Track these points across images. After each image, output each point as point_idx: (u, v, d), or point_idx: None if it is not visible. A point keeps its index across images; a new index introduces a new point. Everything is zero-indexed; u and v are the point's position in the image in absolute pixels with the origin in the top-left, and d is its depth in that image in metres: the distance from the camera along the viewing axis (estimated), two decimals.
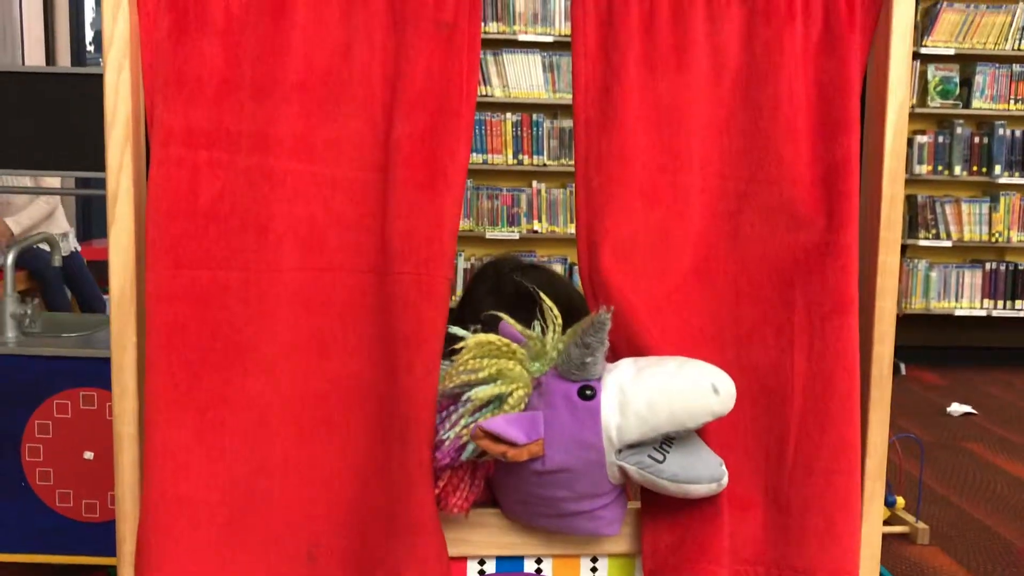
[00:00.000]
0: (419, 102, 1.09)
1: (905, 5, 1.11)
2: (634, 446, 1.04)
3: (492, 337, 1.07)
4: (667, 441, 1.04)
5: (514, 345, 1.07)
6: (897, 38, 1.11)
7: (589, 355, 1.02)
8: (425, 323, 1.07)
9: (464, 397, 1.05)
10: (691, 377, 1.02)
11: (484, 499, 1.15)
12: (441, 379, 1.08)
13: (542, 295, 1.09)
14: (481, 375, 1.05)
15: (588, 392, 1.03)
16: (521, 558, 1.15)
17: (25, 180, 4.25)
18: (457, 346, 1.07)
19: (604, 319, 1.01)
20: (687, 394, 1.01)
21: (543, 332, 1.09)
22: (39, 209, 4.53)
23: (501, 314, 1.11)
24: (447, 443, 1.06)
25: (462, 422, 1.05)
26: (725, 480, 1.06)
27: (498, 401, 1.05)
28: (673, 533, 1.10)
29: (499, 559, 1.15)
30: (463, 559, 1.14)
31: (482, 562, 1.15)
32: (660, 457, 1.03)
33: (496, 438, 1.01)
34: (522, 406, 1.05)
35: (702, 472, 1.04)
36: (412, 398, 1.07)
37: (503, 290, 1.51)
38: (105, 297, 4.92)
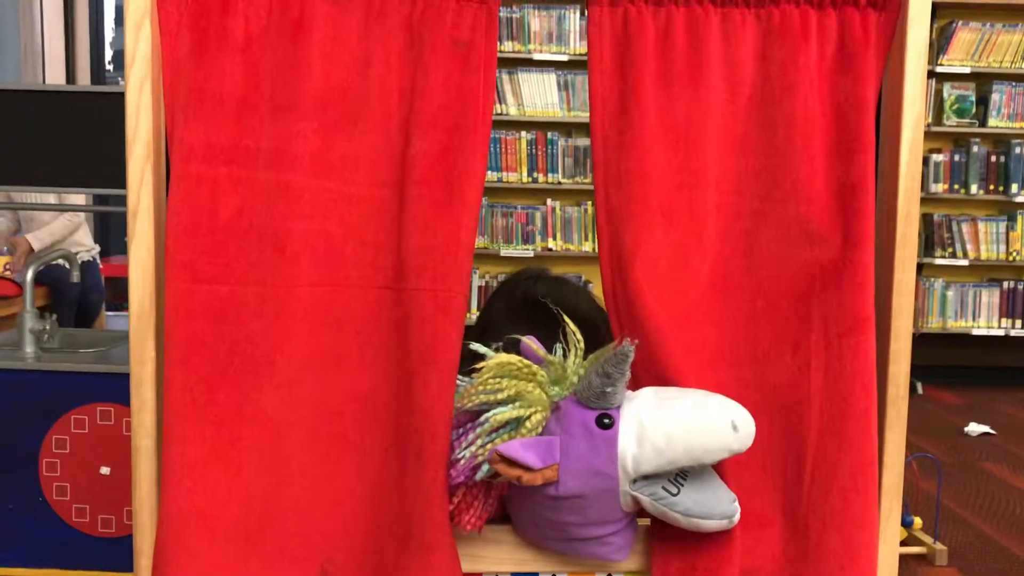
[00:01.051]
0: (436, 120, 1.10)
1: (920, 24, 1.11)
2: (649, 477, 1.03)
3: (513, 358, 1.06)
4: (682, 474, 1.04)
5: (535, 367, 1.07)
6: (912, 57, 1.11)
7: (610, 385, 1.02)
8: (441, 338, 1.08)
9: (482, 417, 1.05)
10: (711, 413, 1.02)
11: (497, 515, 1.15)
12: (459, 396, 1.08)
13: (565, 318, 1.09)
14: (500, 396, 1.05)
15: (606, 421, 1.03)
16: (535, 574, 1.15)
17: (49, 197, 4.27)
18: (478, 364, 1.07)
19: (627, 351, 1.01)
20: (706, 430, 1.01)
21: (564, 355, 1.09)
22: (61, 225, 4.55)
23: (526, 338, 1.11)
24: (462, 462, 1.06)
25: (478, 442, 1.05)
26: (737, 517, 1.05)
27: (515, 423, 1.05)
28: (683, 560, 1.10)
29: (513, 575, 1.15)
30: (477, 575, 1.14)
31: None
32: (674, 490, 1.03)
33: (511, 462, 1.01)
34: (539, 430, 1.05)
35: (715, 508, 1.04)
36: (428, 414, 1.07)
37: (513, 295, 1.52)
38: (111, 315, 4.96)
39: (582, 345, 1.09)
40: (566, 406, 1.06)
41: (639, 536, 1.13)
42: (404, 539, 1.09)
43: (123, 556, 2.51)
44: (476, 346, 1.09)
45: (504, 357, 1.06)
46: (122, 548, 2.47)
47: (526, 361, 1.07)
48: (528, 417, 1.04)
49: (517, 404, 1.05)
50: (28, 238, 4.43)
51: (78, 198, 4.44)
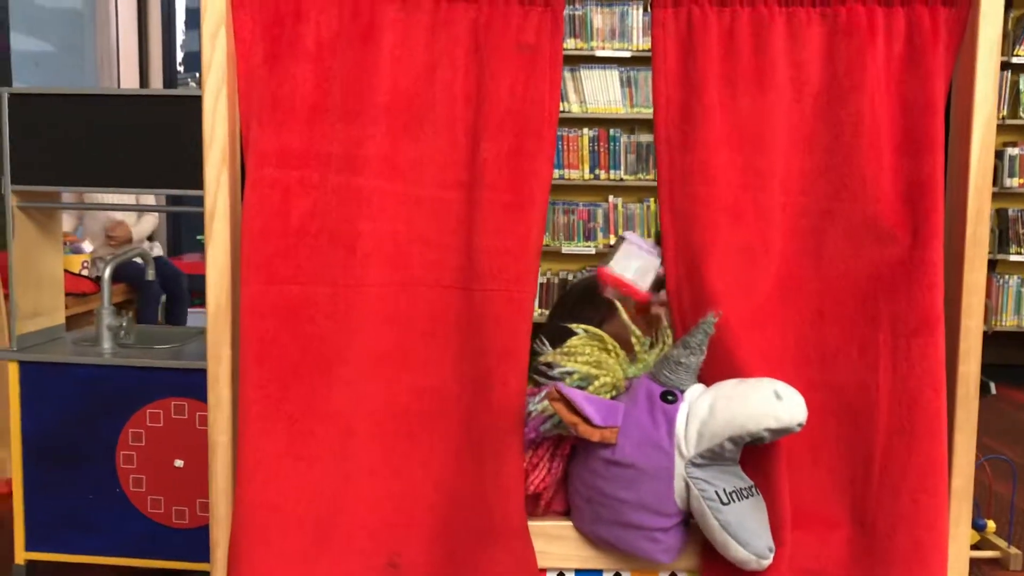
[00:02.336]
0: (503, 124, 1.12)
1: (992, 19, 1.09)
2: (707, 470, 1.04)
3: (603, 334, 1.12)
4: (739, 495, 1.05)
5: (619, 348, 1.12)
6: (984, 53, 1.09)
7: (686, 355, 1.05)
8: (517, 338, 1.11)
9: (555, 371, 1.09)
10: (752, 384, 1.03)
11: (562, 508, 1.17)
12: (542, 358, 1.12)
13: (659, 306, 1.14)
14: (579, 359, 1.09)
15: (670, 397, 1.06)
16: (600, 571, 1.16)
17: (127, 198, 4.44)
18: (576, 325, 1.13)
19: (710, 323, 1.04)
20: (746, 398, 1.02)
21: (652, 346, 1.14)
22: (149, 223, 4.82)
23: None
24: (533, 415, 1.09)
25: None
26: (766, 563, 1.05)
27: (584, 382, 1.09)
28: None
29: (578, 572, 1.16)
30: (542, 571, 1.16)
31: (561, 574, 1.16)
32: (725, 499, 1.04)
33: (572, 408, 1.04)
34: (608, 394, 1.09)
35: (751, 538, 1.04)
36: (508, 410, 1.10)
37: (567, 290, 1.60)
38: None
39: (670, 340, 1.12)
40: (637, 381, 1.10)
41: (697, 536, 1.13)
42: (483, 530, 1.11)
43: (196, 547, 2.58)
44: (576, 326, 1.13)
45: (595, 330, 1.11)
46: (195, 539, 2.54)
47: (613, 341, 1.11)
48: (597, 376, 1.08)
49: (591, 366, 1.09)
50: (131, 228, 4.67)
51: (151, 199, 4.59)
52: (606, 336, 1.11)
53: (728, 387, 1.04)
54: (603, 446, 1.06)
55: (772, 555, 1.05)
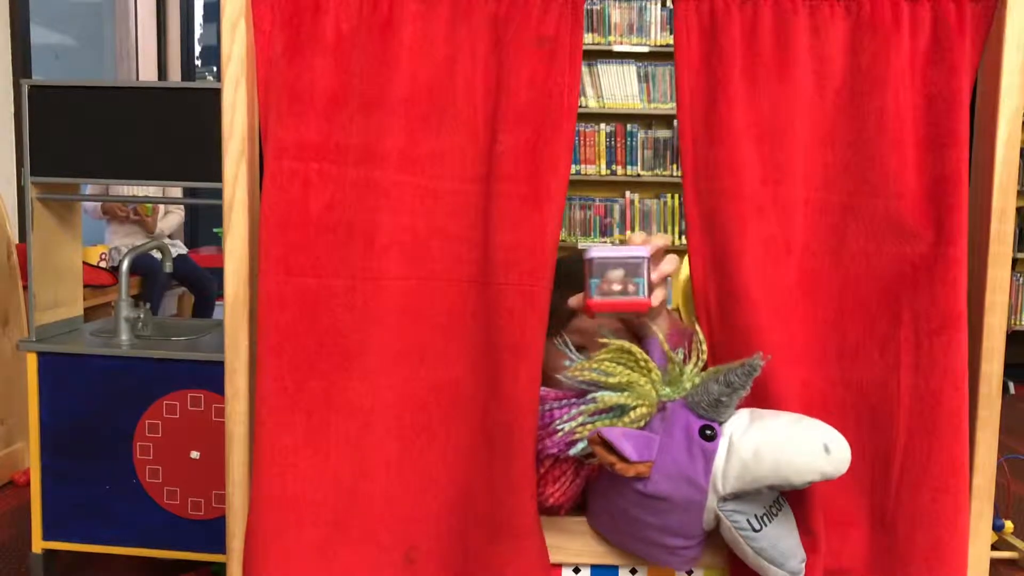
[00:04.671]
0: (522, 116, 1.11)
1: (1020, 13, 1.08)
2: (739, 500, 1.02)
3: (635, 348, 1.07)
4: (770, 515, 1.03)
5: (652, 364, 1.07)
6: (1010, 47, 1.08)
7: (728, 394, 1.02)
8: (529, 332, 1.09)
9: (589, 396, 1.06)
10: (802, 433, 0.99)
11: (579, 503, 1.16)
12: (571, 367, 1.09)
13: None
14: (611, 380, 1.06)
15: (709, 432, 1.03)
16: (615, 567, 1.16)
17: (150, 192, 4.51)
18: (603, 340, 1.08)
19: (756, 364, 1.00)
20: (795, 449, 0.98)
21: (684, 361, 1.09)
22: (174, 220, 4.89)
23: (656, 330, 1.12)
24: (560, 435, 1.07)
25: (580, 418, 1.06)
26: None
27: (620, 411, 1.06)
28: None
29: (593, 567, 1.16)
30: (558, 566, 1.16)
31: (577, 570, 1.16)
32: (757, 526, 1.02)
33: (610, 447, 1.02)
34: (642, 423, 1.06)
35: (787, 559, 1.03)
36: (517, 406, 1.09)
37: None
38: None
39: (705, 355, 1.09)
40: (674, 408, 1.06)
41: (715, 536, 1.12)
42: (493, 526, 1.11)
43: (212, 538, 2.59)
44: (606, 336, 1.09)
45: (627, 344, 1.07)
46: (211, 530, 2.55)
47: (645, 355, 1.08)
48: (634, 407, 1.05)
49: (626, 393, 1.05)
50: (160, 224, 4.76)
51: (177, 192, 4.64)
52: (636, 349, 1.07)
53: (776, 431, 1.00)
54: (636, 479, 1.04)
55: (804, 565, 1.04)
